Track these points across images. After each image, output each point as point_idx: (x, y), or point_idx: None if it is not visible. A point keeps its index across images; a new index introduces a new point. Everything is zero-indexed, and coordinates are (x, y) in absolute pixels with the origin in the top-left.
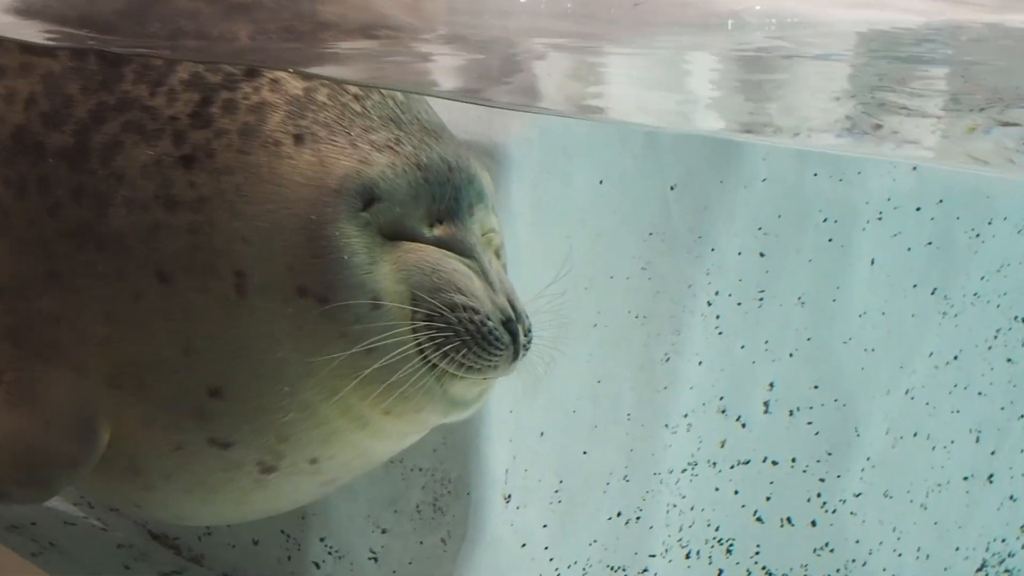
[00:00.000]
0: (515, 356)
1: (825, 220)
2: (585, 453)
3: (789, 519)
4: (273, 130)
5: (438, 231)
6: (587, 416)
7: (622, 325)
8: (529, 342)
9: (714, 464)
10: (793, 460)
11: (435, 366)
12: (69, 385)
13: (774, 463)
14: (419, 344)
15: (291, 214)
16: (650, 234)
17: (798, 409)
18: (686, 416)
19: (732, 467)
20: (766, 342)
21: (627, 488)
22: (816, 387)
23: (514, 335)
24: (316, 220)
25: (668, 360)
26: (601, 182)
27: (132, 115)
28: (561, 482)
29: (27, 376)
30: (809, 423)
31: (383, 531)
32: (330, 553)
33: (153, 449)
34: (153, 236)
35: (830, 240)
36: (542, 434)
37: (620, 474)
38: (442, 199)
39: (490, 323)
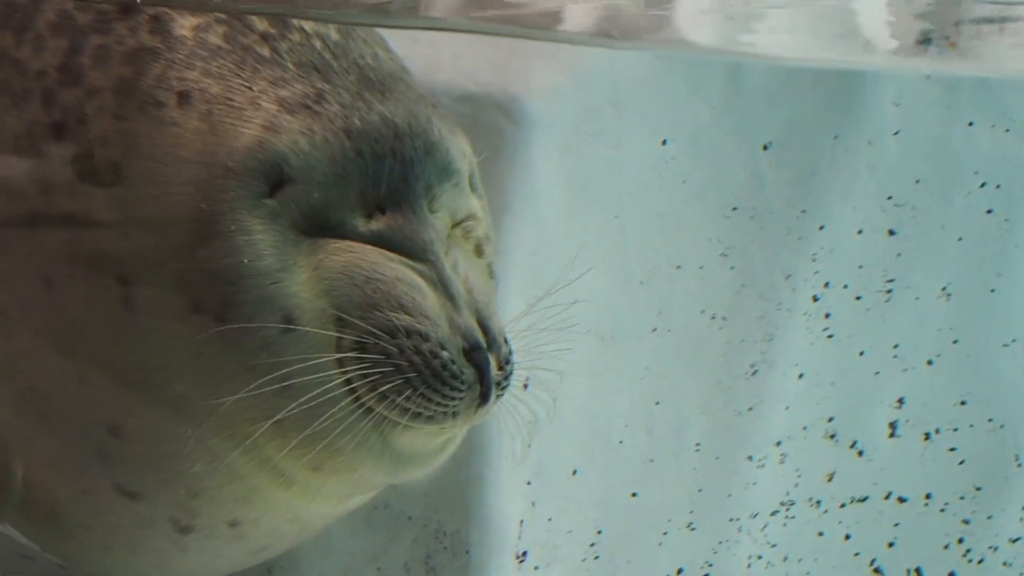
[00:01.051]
0: (483, 399)
1: (983, 185)
2: (635, 496)
3: (919, 571)
4: (152, 86)
5: (378, 223)
6: (638, 448)
7: (691, 329)
8: (507, 378)
9: (818, 503)
10: (928, 496)
11: (372, 410)
12: None
13: (901, 500)
14: (349, 382)
15: (177, 202)
16: (733, 209)
17: (937, 432)
18: (779, 444)
19: (843, 506)
20: (895, 347)
21: (692, 538)
22: (963, 403)
23: (481, 369)
24: (207, 210)
25: (755, 373)
26: (665, 143)
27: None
28: (600, 533)
29: None
30: (952, 450)
31: None
32: None
33: (65, 493)
34: (33, 230)
35: (989, 212)
36: (575, 472)
37: (682, 521)
38: (383, 179)
39: (444, 354)
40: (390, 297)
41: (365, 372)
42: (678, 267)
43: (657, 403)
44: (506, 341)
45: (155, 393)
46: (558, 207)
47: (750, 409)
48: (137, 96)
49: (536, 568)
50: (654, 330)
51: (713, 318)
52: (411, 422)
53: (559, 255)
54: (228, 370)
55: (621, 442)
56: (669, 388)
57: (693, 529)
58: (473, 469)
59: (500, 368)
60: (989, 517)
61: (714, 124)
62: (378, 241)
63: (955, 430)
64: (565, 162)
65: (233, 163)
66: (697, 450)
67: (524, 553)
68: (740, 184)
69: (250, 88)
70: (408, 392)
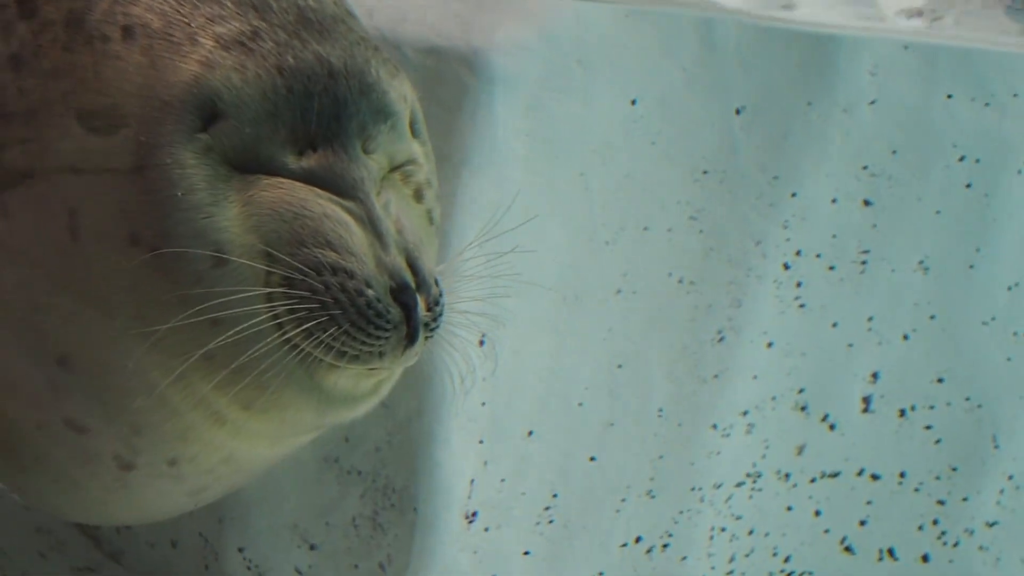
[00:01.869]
0: (410, 339)
1: (962, 159)
2: (593, 460)
3: (891, 551)
4: (100, 20)
5: (308, 161)
6: (599, 411)
7: (658, 292)
8: (436, 319)
9: (786, 476)
10: (902, 475)
11: (299, 348)
12: None
13: (874, 477)
14: (277, 317)
15: (120, 136)
16: (704, 173)
17: (912, 408)
18: (746, 414)
19: (813, 481)
20: (870, 319)
21: (652, 506)
22: (940, 380)
23: (408, 308)
24: (145, 143)
25: (722, 340)
26: (634, 103)
27: None
28: (555, 497)
29: None
30: (928, 427)
31: (311, 547)
32: (249, 568)
33: (20, 425)
34: None
35: (968, 186)
36: (531, 433)
37: (642, 488)
38: (313, 117)
39: (369, 292)
40: (317, 234)
41: (292, 308)
42: (645, 229)
43: (620, 366)
44: (436, 283)
45: (99, 324)
46: (521, 163)
47: (715, 376)
48: (85, 30)
49: (486, 530)
50: (619, 291)
51: (680, 282)
52: (336, 360)
53: (519, 211)
54: (162, 301)
55: (581, 404)
56: (633, 351)
57: (653, 497)
58: (424, 425)
59: (429, 309)
60: (965, 499)
61: (685, 85)
62: (308, 178)
63: (931, 408)
64: (530, 118)
65: (170, 97)
66: (660, 416)
67: (474, 513)
68: (711, 147)
69: (188, 24)
70: (332, 329)
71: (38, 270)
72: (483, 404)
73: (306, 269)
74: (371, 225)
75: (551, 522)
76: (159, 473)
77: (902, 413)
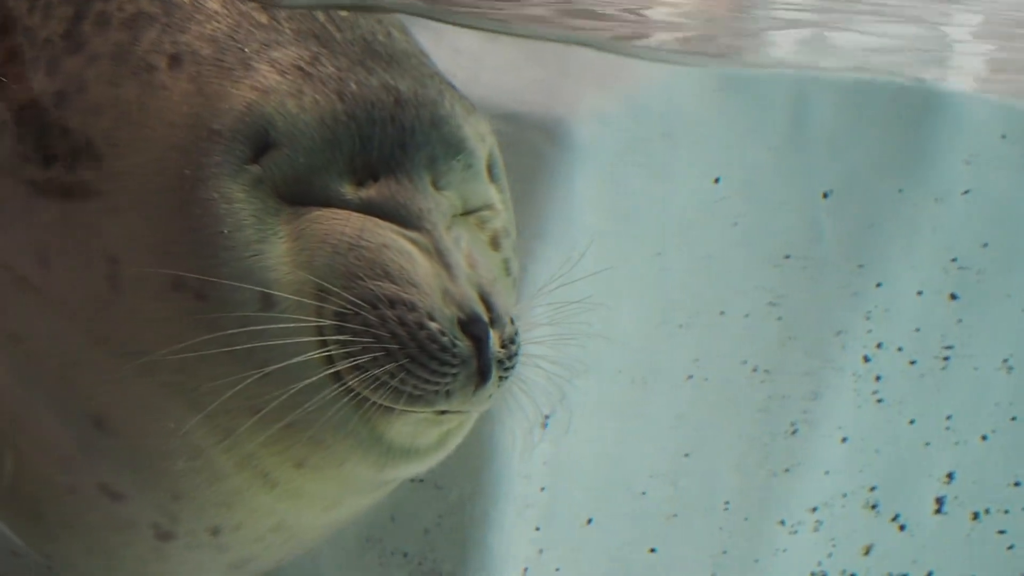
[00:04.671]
0: (482, 376)
1: None
2: (653, 551)
3: None
4: (147, 51)
5: (368, 191)
6: (662, 501)
7: (731, 380)
8: (511, 359)
9: None
10: None
11: (357, 394)
12: None
13: None
14: (332, 361)
15: (161, 169)
16: (786, 257)
17: (987, 512)
18: (815, 510)
19: None
20: (948, 418)
21: None
22: (1017, 484)
23: (479, 341)
24: (190, 176)
25: (795, 432)
26: (718, 181)
27: (14, 40)
28: None
29: None
30: (1001, 532)
31: None
32: None
33: (50, 489)
34: (31, 203)
35: None
36: (590, 521)
37: None
38: (376, 145)
39: (432, 326)
40: (374, 265)
41: (345, 345)
42: (721, 313)
43: (687, 455)
44: (512, 321)
45: (138, 381)
46: (597, 240)
47: (786, 470)
48: (131, 61)
49: None
50: (690, 377)
51: (755, 370)
52: (394, 401)
53: (592, 289)
54: (207, 355)
55: (644, 493)
56: (701, 440)
57: None
58: (478, 508)
59: (503, 347)
60: None
61: (772, 166)
62: (368, 209)
63: (1006, 512)
64: (608, 192)
65: (219, 125)
66: (726, 509)
67: None
68: (795, 231)
69: (242, 50)
70: (389, 366)
71: (75, 322)
72: (542, 489)
73: (360, 302)
74: (438, 256)
75: None
76: (200, 543)
77: (975, 516)
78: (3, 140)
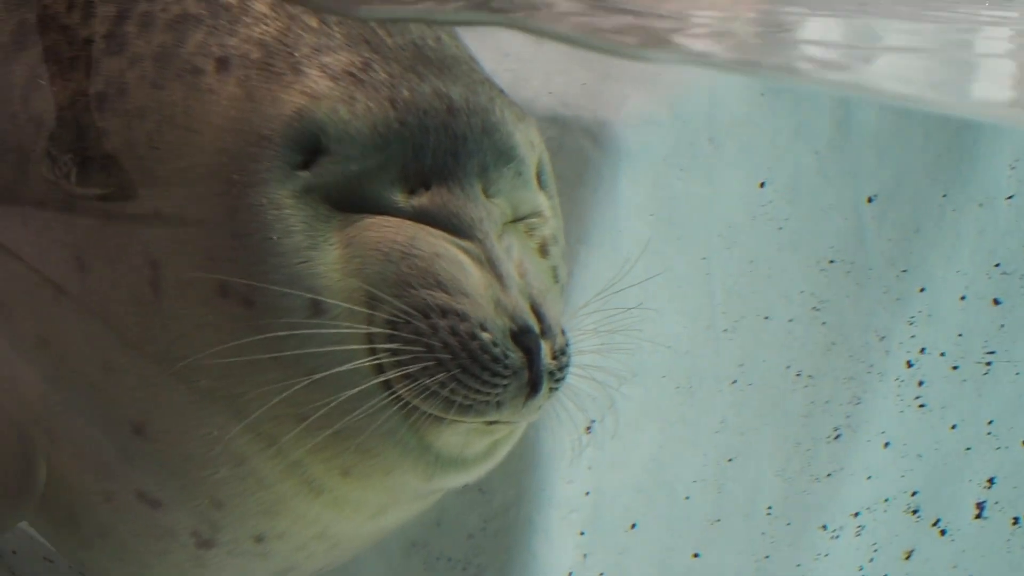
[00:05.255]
0: (533, 388)
1: None
2: (697, 556)
3: None
4: (193, 53)
5: (420, 199)
6: (706, 506)
7: (774, 385)
8: (562, 370)
9: None
10: None
11: (406, 403)
12: (6, 397)
13: None
14: (381, 369)
15: (208, 174)
16: (830, 262)
17: None
18: (857, 515)
19: None
20: (990, 423)
21: None
22: None
23: (530, 353)
24: (238, 182)
25: (838, 438)
26: (763, 185)
27: (51, 38)
28: None
29: None
30: None
31: None
32: None
33: (85, 496)
34: (70, 206)
35: None
36: (634, 526)
37: None
38: (428, 152)
39: (484, 336)
40: (426, 274)
41: (396, 353)
42: (766, 318)
43: (730, 460)
44: (563, 332)
45: (180, 387)
46: (641, 242)
47: (829, 475)
48: (176, 64)
49: None
50: (734, 382)
51: (799, 375)
52: (444, 411)
53: (637, 294)
54: (253, 361)
55: (688, 498)
56: (744, 445)
57: None
58: (522, 513)
59: (555, 358)
60: None
61: (817, 170)
62: (420, 217)
63: None
64: (653, 195)
65: (269, 131)
66: (768, 514)
67: None
68: (839, 236)
69: (292, 54)
70: (440, 375)
71: (114, 328)
72: (586, 494)
73: (411, 311)
74: (490, 266)
75: None
76: (242, 551)
77: (1015, 521)
78: (39, 142)
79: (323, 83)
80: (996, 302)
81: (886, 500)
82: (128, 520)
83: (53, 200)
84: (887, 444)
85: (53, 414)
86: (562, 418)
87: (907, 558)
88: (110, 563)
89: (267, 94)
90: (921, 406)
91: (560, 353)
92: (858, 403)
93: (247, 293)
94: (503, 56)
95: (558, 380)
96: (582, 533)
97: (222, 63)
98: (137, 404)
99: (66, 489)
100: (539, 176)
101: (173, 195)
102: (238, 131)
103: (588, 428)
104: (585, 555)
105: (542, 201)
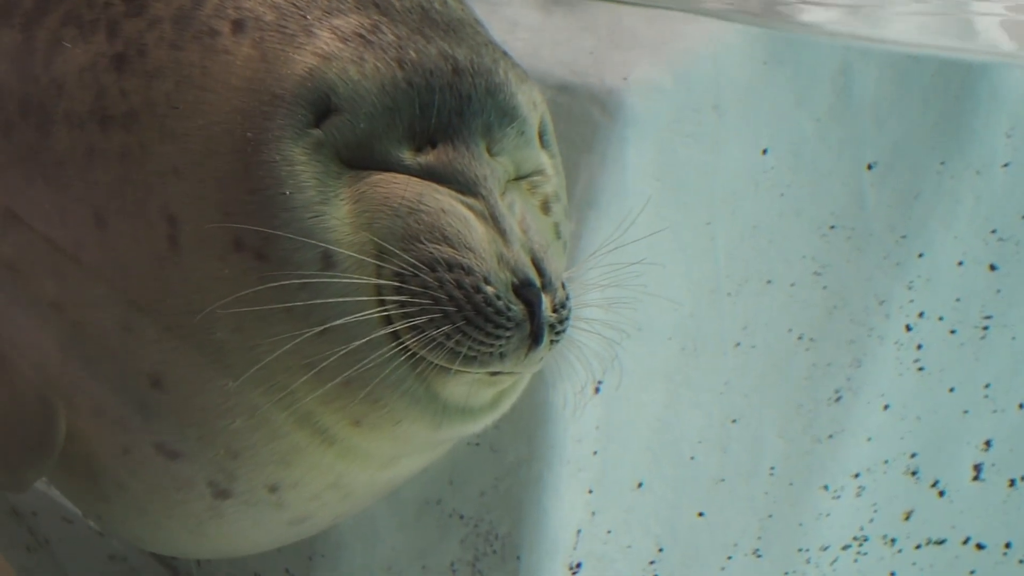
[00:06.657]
0: (535, 339)
1: None
2: (701, 515)
3: None
4: (210, 16)
5: (426, 157)
6: (710, 466)
7: (777, 348)
8: (562, 322)
9: (892, 541)
10: (1007, 545)
11: (414, 354)
12: (24, 359)
13: (979, 547)
14: (390, 321)
15: (224, 131)
16: (831, 228)
17: (1023, 479)
18: (857, 476)
19: (918, 547)
20: (987, 386)
21: (758, 565)
22: None
23: (531, 305)
24: (252, 139)
25: (839, 399)
26: (765, 152)
27: (71, 2)
28: (661, 551)
29: None
30: None
31: None
32: None
33: (103, 449)
34: (89, 164)
35: None
36: (640, 485)
37: (749, 547)
38: (434, 112)
39: (488, 289)
40: (433, 229)
41: (403, 306)
42: (768, 282)
43: (734, 421)
44: (563, 286)
45: (196, 340)
46: (649, 208)
47: (830, 436)
48: (194, 25)
49: None
50: (738, 345)
51: (800, 338)
52: (450, 362)
53: (643, 256)
54: (266, 312)
55: (693, 458)
56: (748, 407)
57: (759, 556)
58: (533, 471)
59: (555, 311)
60: None
61: (818, 137)
62: (426, 175)
63: None
64: (659, 161)
65: (281, 90)
66: (771, 474)
67: (578, 565)
68: (840, 202)
69: (304, 16)
70: (446, 327)
71: (132, 283)
72: (594, 453)
73: (419, 264)
74: (493, 222)
75: None
76: (258, 500)
77: (1012, 483)
78: (60, 102)
79: (334, 44)
80: (992, 267)
81: (885, 461)
82: (146, 473)
83: (73, 159)
84: (887, 406)
85: (71, 371)
86: (568, 374)
87: (906, 518)
88: (128, 516)
89: (280, 55)
90: (920, 369)
91: (560, 306)
92: (858, 366)
93: (261, 246)
94: (513, 26)
95: (559, 332)
96: (590, 491)
97: (238, 25)
98: (154, 358)
99: (84, 444)
100: (541, 135)
101: (191, 152)
102: (253, 90)
103: (596, 389)
104: (593, 512)
105: (544, 159)
